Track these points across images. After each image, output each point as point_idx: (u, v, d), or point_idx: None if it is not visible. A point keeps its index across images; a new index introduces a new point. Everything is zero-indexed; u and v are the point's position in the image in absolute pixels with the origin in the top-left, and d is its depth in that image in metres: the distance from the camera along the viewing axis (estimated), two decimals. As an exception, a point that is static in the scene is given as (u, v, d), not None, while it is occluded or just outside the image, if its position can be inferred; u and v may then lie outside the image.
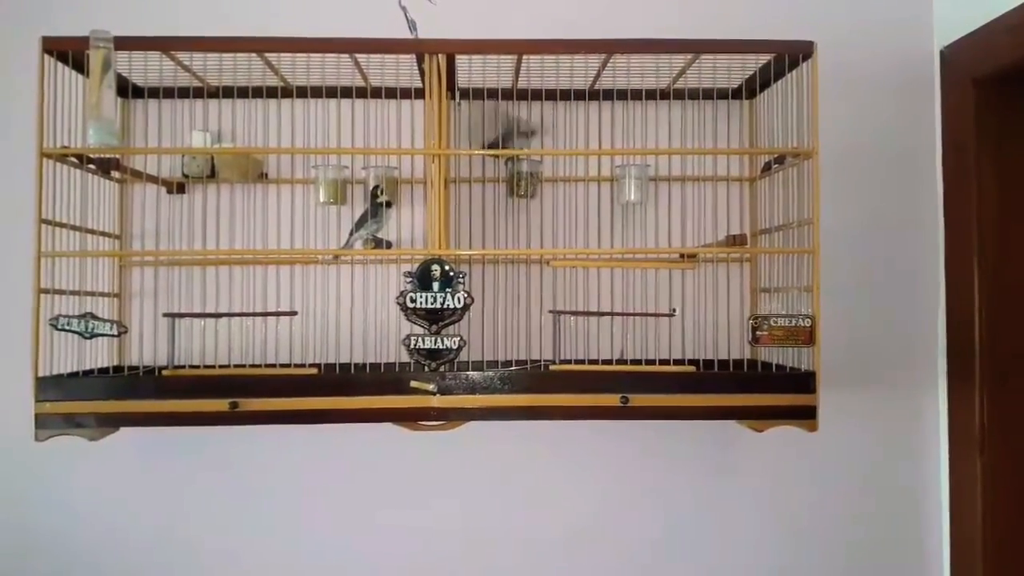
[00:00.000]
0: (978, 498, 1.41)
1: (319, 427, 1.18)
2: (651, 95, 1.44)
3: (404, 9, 1.24)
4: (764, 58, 1.26)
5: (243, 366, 1.35)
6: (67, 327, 1.15)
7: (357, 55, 1.22)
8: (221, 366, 1.29)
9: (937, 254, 1.51)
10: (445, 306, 1.16)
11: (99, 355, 1.33)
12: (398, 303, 1.17)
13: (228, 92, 1.41)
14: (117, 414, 1.15)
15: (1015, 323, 1.41)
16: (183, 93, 1.34)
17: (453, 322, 1.17)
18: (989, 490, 1.40)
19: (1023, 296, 1.42)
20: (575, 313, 1.37)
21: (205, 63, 1.27)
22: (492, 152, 1.35)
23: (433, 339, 1.17)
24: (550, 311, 1.33)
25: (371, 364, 1.40)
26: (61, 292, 1.18)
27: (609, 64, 1.27)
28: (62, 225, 1.19)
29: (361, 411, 1.17)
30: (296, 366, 1.32)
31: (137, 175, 1.36)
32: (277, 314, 1.35)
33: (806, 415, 1.19)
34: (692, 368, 1.23)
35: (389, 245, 1.39)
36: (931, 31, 1.52)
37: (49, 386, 1.15)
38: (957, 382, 1.46)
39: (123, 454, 1.43)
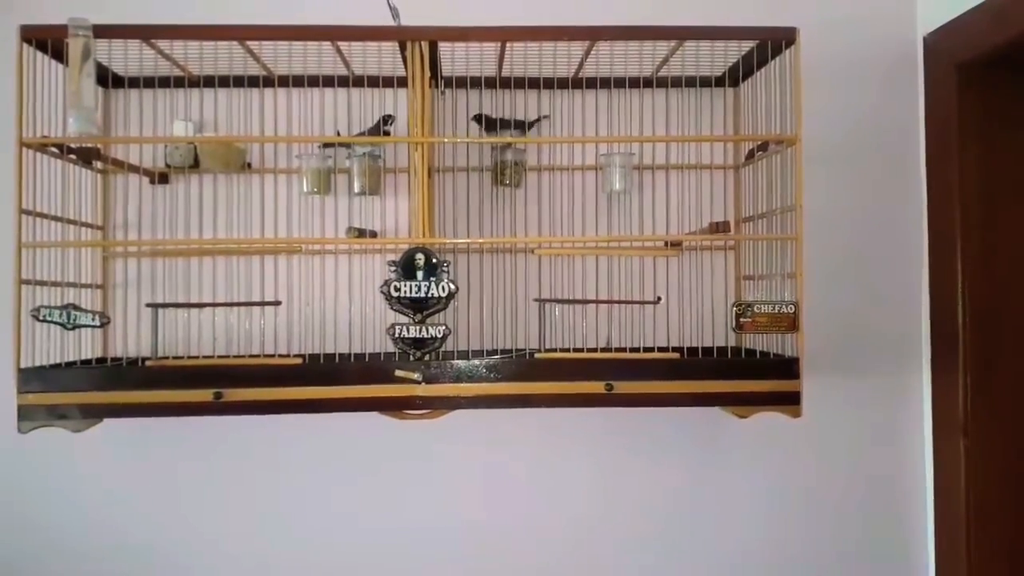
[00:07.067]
0: (962, 481, 1.42)
1: (304, 417, 1.18)
2: (635, 83, 1.44)
3: (387, -4, 1.23)
4: (748, 45, 1.26)
5: (227, 356, 1.34)
6: (49, 318, 1.14)
7: (339, 43, 1.21)
8: (205, 356, 1.29)
9: (921, 239, 1.52)
10: (430, 295, 1.16)
11: (82, 346, 1.33)
12: (382, 292, 1.16)
13: (210, 81, 1.40)
14: (100, 405, 1.15)
15: (998, 308, 1.42)
16: (164, 83, 1.33)
17: (438, 311, 1.17)
18: (972, 474, 1.42)
19: (1006, 281, 1.43)
20: (560, 301, 1.37)
21: (186, 51, 1.26)
22: (475, 140, 1.34)
23: (418, 328, 1.17)
24: (535, 299, 1.33)
25: (356, 354, 1.39)
26: (43, 283, 1.18)
27: (593, 52, 1.27)
28: (43, 215, 1.18)
29: (346, 400, 1.17)
30: (280, 356, 1.32)
31: (119, 165, 1.35)
32: (261, 304, 1.35)
33: (790, 401, 1.20)
34: (676, 355, 1.24)
35: (374, 234, 1.39)
36: (914, 17, 1.53)
37: (32, 377, 1.14)
38: (941, 367, 1.47)
39: (107, 445, 1.43)
